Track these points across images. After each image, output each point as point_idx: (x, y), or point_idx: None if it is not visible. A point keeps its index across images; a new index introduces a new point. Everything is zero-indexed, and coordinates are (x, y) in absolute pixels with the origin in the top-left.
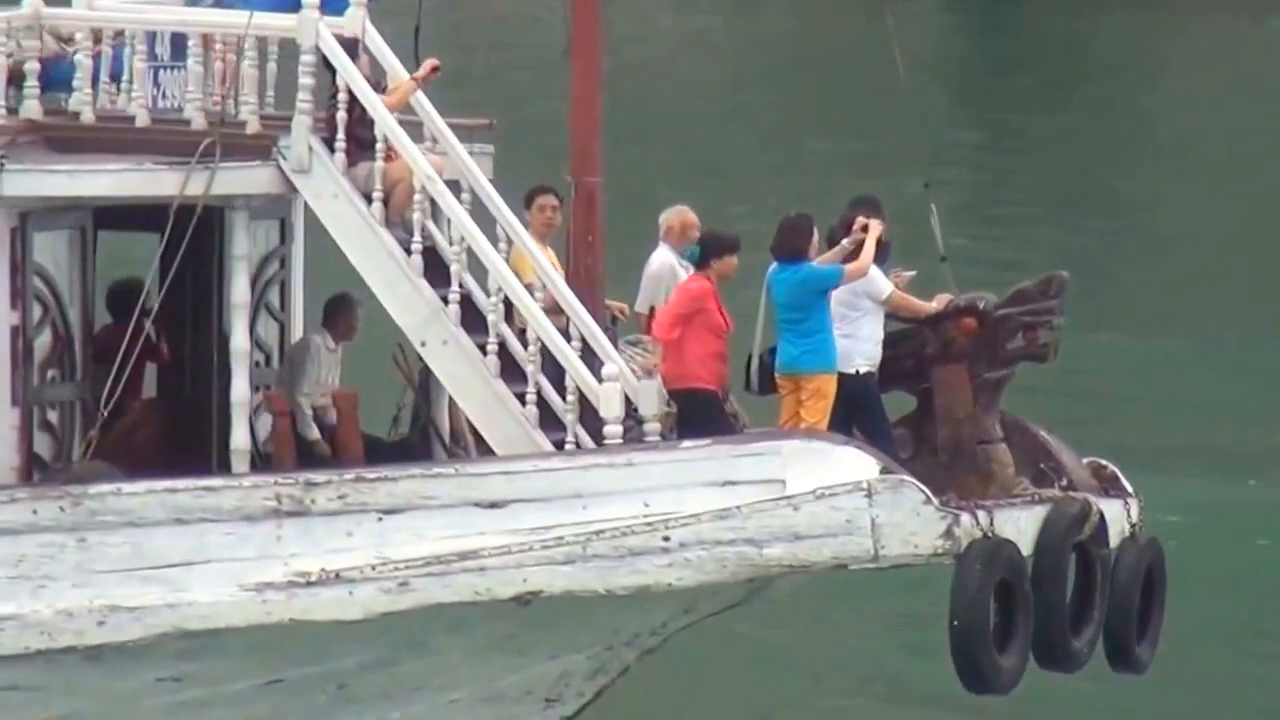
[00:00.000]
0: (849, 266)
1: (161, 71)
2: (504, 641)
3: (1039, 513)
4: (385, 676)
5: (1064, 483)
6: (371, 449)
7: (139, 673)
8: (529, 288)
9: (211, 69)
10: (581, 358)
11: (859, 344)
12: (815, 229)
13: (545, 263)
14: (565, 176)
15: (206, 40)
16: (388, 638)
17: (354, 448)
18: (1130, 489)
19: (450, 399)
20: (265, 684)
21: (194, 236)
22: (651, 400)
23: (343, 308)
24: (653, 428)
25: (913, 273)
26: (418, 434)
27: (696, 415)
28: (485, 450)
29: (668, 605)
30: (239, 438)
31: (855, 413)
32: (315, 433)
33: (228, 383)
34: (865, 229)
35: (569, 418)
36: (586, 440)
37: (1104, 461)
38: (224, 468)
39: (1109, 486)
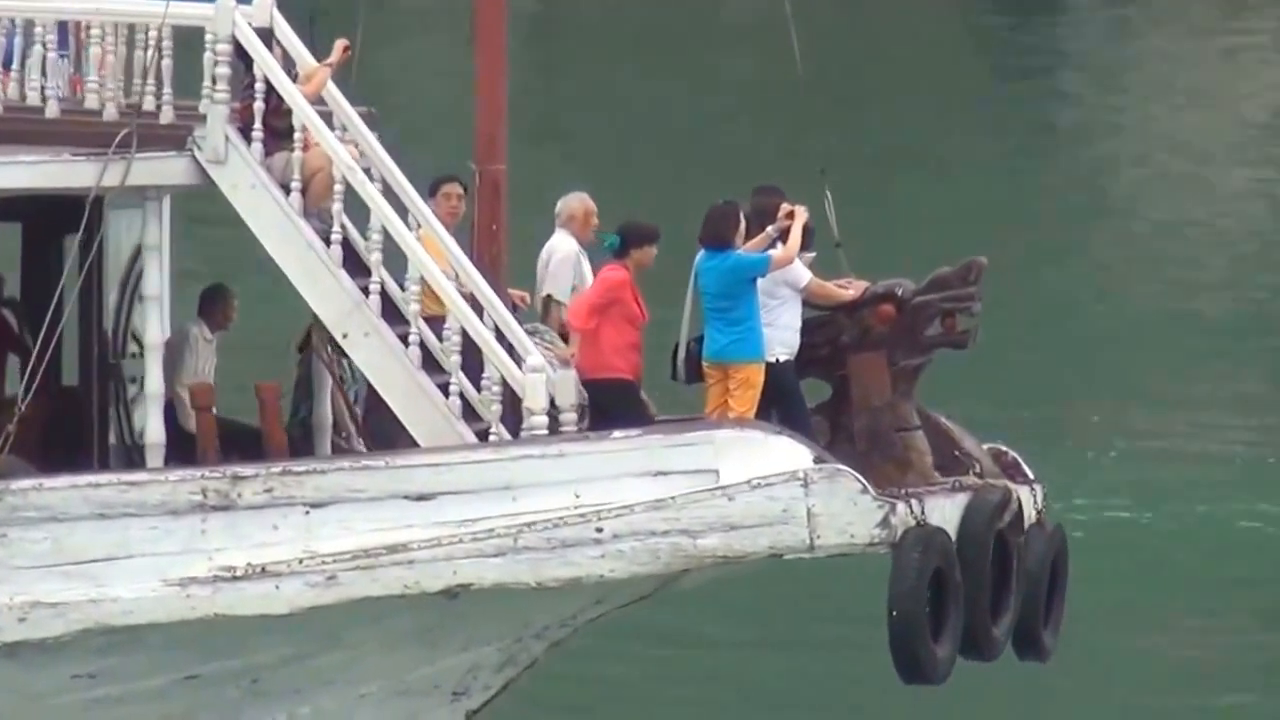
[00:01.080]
0: (776, 254)
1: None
2: (420, 634)
3: (961, 500)
4: (299, 670)
5: (977, 470)
6: (253, 440)
7: (55, 669)
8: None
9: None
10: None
11: (778, 332)
12: (743, 216)
13: (459, 252)
14: (470, 164)
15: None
16: (307, 631)
17: (277, 440)
18: (1032, 475)
19: (332, 390)
20: (181, 679)
21: (67, 227)
22: (569, 391)
23: (219, 297)
24: (570, 418)
25: (812, 254)
26: (297, 426)
27: (614, 405)
28: (374, 439)
29: (579, 597)
30: (154, 431)
31: (774, 401)
32: (194, 424)
33: (107, 375)
34: (791, 215)
35: (494, 409)
36: (504, 432)
37: (1004, 447)
38: (104, 463)
39: (1011, 472)
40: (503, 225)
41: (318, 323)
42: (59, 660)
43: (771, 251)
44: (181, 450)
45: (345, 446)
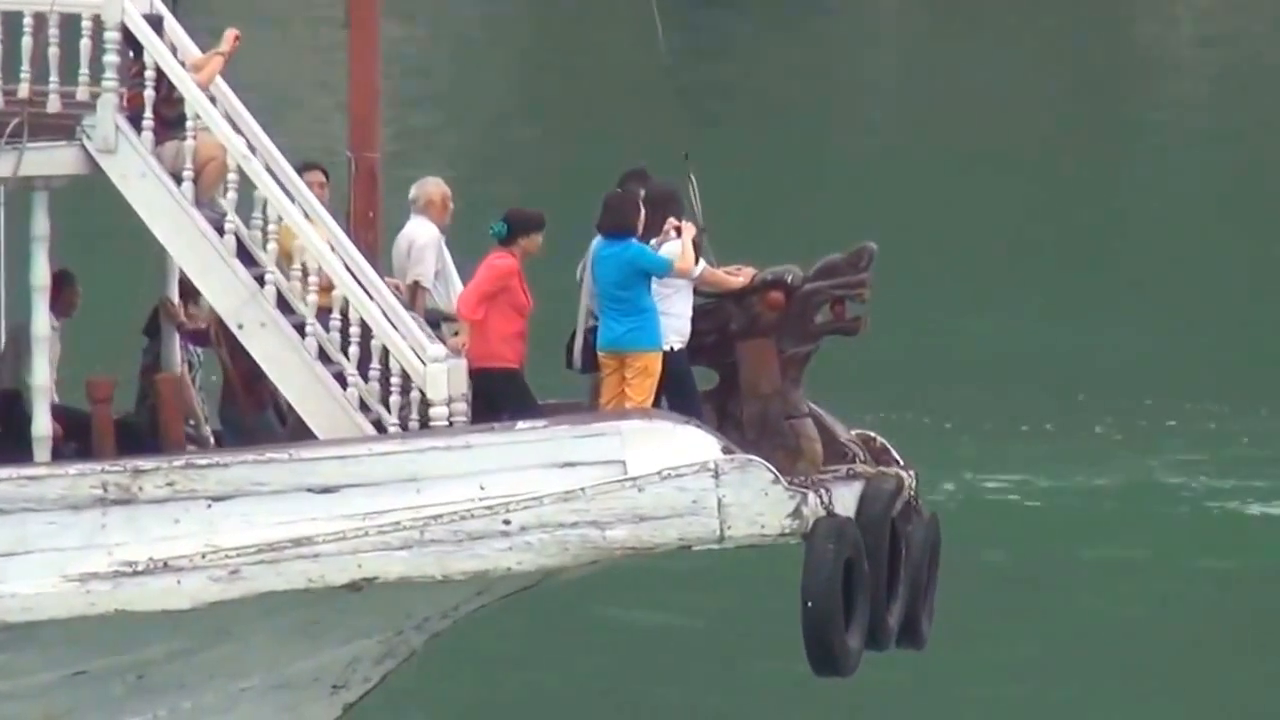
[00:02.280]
0: (676, 264)
1: None
2: (304, 627)
3: (856, 488)
4: (185, 665)
5: (861, 457)
6: (69, 418)
7: None
8: (304, 268)
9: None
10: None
11: (671, 320)
12: (665, 204)
13: (348, 243)
14: (346, 152)
15: None
16: (199, 626)
17: (175, 434)
18: (903, 461)
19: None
20: (69, 676)
21: None
22: (460, 381)
23: (64, 284)
24: (460, 409)
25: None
26: (146, 413)
27: (501, 395)
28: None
29: (462, 588)
30: (41, 425)
31: (668, 390)
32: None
33: None
34: (679, 230)
35: (393, 399)
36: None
37: (873, 433)
38: None
39: (881, 458)
40: (379, 213)
41: (164, 303)
42: None
43: (670, 251)
44: (29, 441)
45: (194, 435)
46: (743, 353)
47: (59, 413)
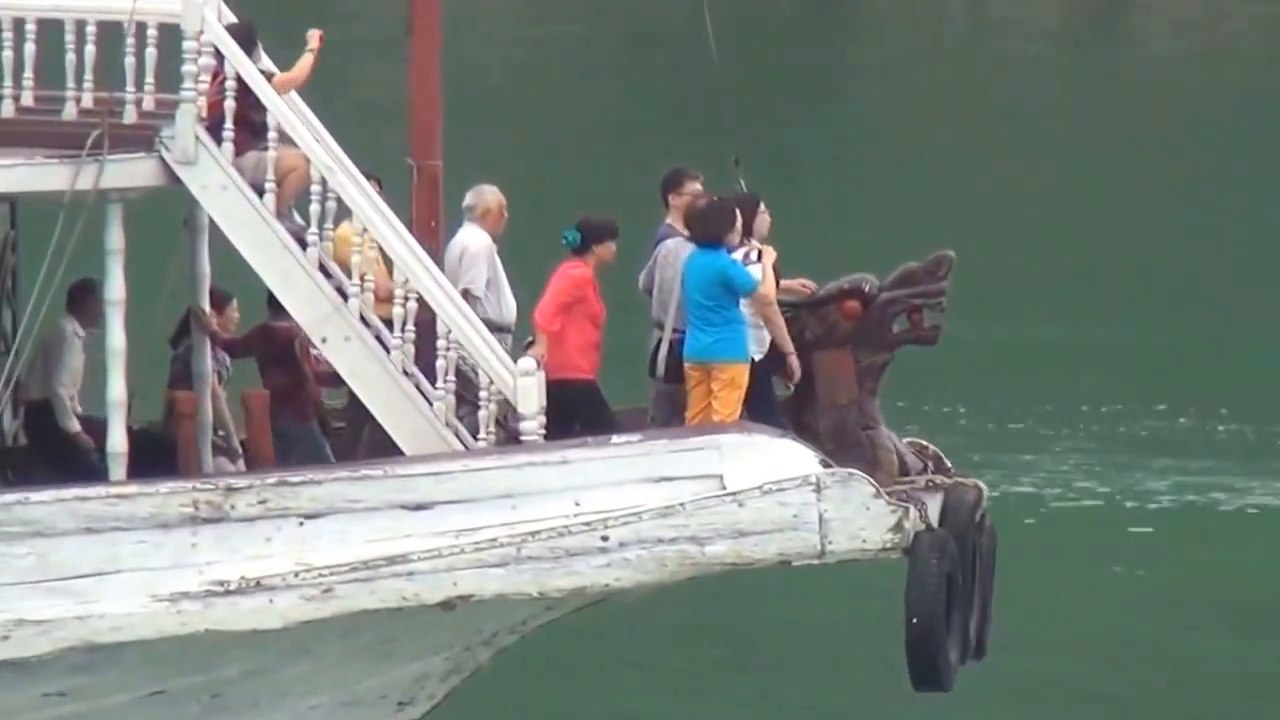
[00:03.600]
0: (759, 288)
1: None
2: (379, 644)
3: (938, 499)
4: (260, 684)
5: (931, 467)
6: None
7: (27, 687)
8: (364, 278)
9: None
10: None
11: (752, 330)
12: (739, 214)
13: (425, 258)
14: (407, 159)
15: None
16: (278, 645)
17: (265, 450)
18: (963, 472)
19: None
20: (146, 696)
21: None
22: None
23: (88, 294)
24: (533, 425)
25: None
26: (174, 424)
27: (579, 406)
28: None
29: (534, 603)
30: (116, 440)
31: (747, 400)
32: (76, 425)
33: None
34: (760, 255)
35: (483, 413)
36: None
37: (924, 441)
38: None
39: (936, 467)
40: (440, 221)
41: (194, 312)
42: (33, 678)
43: (756, 271)
44: (59, 452)
45: (222, 445)
46: (819, 363)
47: (89, 424)
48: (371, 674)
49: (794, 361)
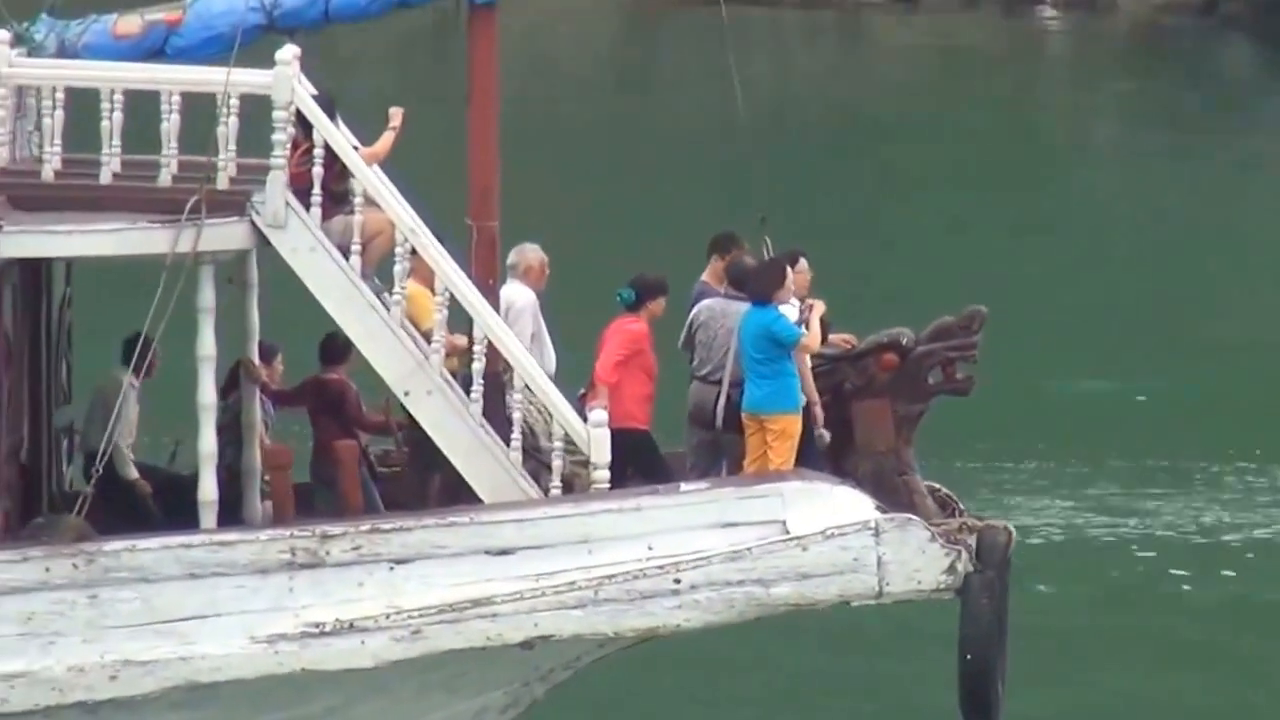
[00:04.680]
0: (804, 340)
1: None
2: (449, 680)
3: (973, 541)
4: (337, 718)
5: (960, 509)
6: (154, 477)
7: None
8: (426, 334)
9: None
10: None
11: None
12: (789, 271)
13: (489, 310)
14: (465, 220)
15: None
16: (362, 682)
17: (354, 499)
18: (964, 510)
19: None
20: None
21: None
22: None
23: (146, 347)
24: (603, 475)
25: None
26: (223, 470)
27: (634, 455)
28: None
29: (588, 641)
30: (207, 489)
31: None
32: (134, 472)
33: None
34: (811, 308)
35: (557, 463)
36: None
37: (936, 484)
38: (53, 509)
39: (948, 508)
40: (497, 280)
41: (245, 364)
42: (136, 715)
43: (802, 328)
44: (119, 500)
45: (268, 491)
46: (859, 412)
47: (146, 472)
48: (439, 709)
49: (818, 411)
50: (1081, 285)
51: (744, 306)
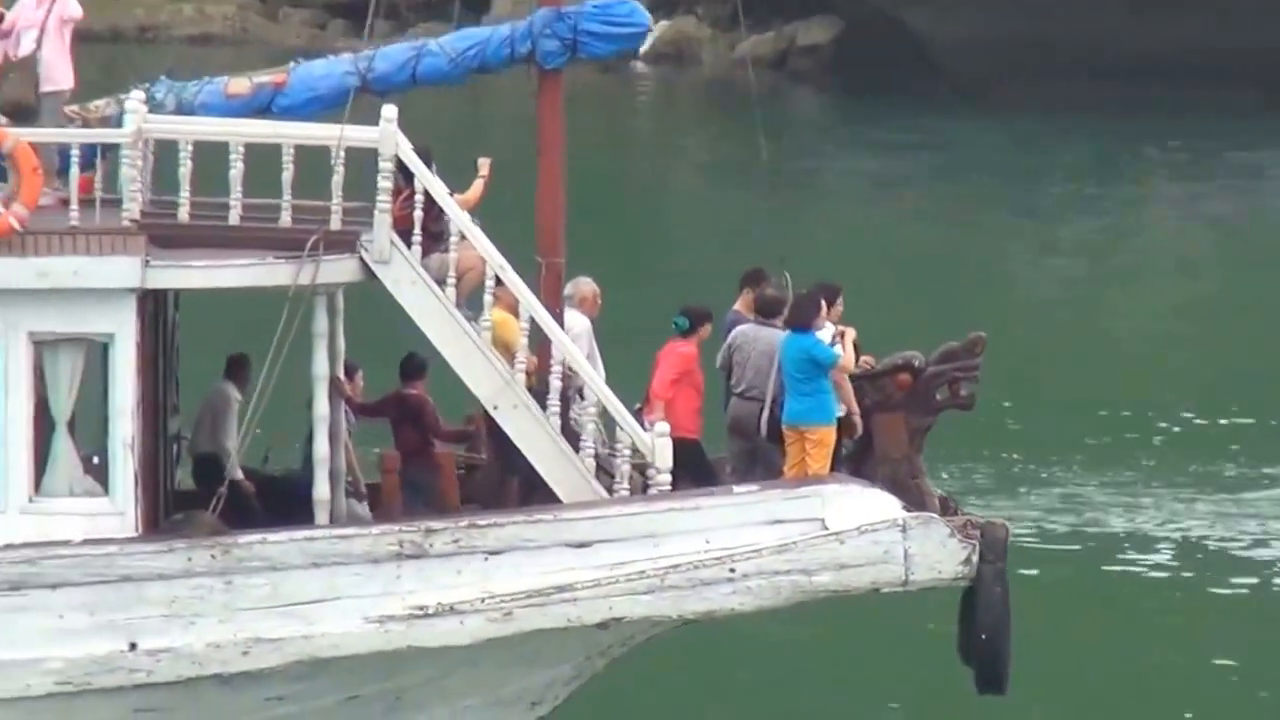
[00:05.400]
0: (840, 362)
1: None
2: (528, 656)
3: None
4: (432, 689)
5: (956, 507)
6: (259, 479)
7: (254, 692)
8: (512, 357)
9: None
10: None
11: None
12: (827, 301)
13: (564, 336)
14: (535, 257)
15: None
16: (457, 657)
17: (452, 499)
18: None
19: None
20: (344, 699)
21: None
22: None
23: (246, 364)
24: (665, 478)
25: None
26: (302, 468)
27: (687, 462)
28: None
29: (643, 623)
30: (321, 490)
31: None
32: (239, 473)
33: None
34: (843, 335)
35: (625, 467)
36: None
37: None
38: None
39: (948, 508)
40: (562, 310)
41: (337, 380)
42: (261, 685)
43: (838, 350)
44: (229, 498)
45: (351, 490)
46: (877, 424)
47: (247, 473)
48: (517, 680)
49: (857, 420)
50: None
51: (773, 332)
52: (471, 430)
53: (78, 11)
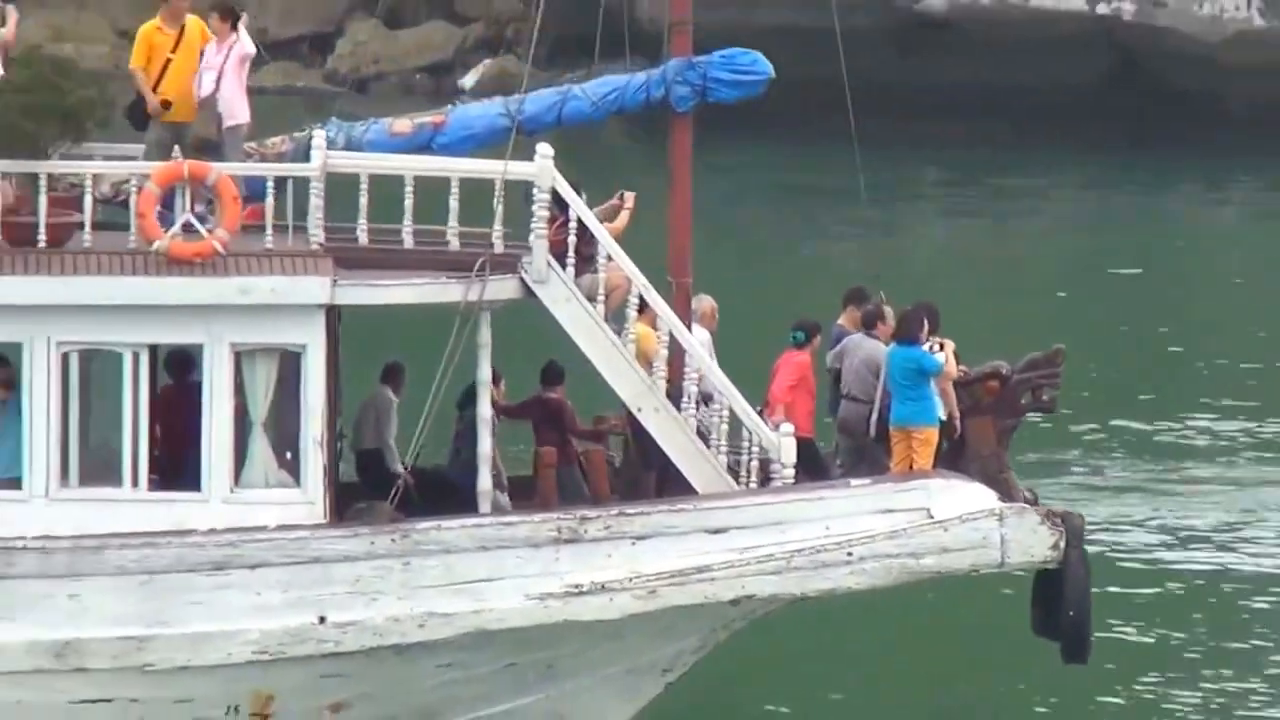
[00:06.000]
0: (944, 369)
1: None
2: (664, 629)
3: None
4: (579, 659)
5: (1032, 497)
6: (420, 474)
7: (427, 661)
8: (651, 366)
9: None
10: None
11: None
12: (929, 317)
13: (699, 349)
14: (667, 277)
15: None
16: (603, 630)
17: (604, 491)
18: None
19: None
20: (503, 667)
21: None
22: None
23: (402, 370)
24: (789, 472)
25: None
26: (460, 465)
27: (803, 457)
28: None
29: (759, 601)
30: (484, 481)
31: None
32: (400, 467)
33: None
34: (943, 345)
35: (753, 463)
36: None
37: None
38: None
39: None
40: (690, 324)
41: (479, 388)
42: (433, 655)
43: (941, 358)
44: (385, 487)
45: (495, 481)
46: (969, 425)
47: (413, 471)
48: (652, 650)
49: (957, 423)
50: None
51: (875, 343)
52: (603, 430)
53: (252, 48)
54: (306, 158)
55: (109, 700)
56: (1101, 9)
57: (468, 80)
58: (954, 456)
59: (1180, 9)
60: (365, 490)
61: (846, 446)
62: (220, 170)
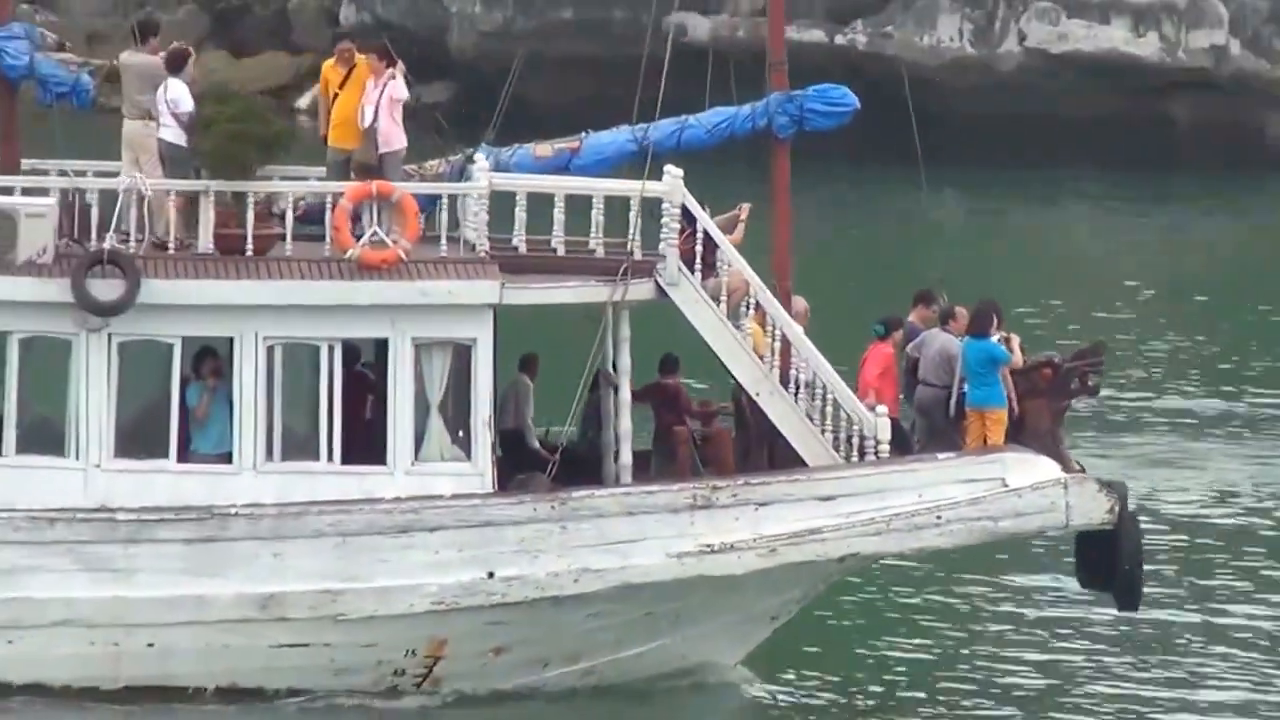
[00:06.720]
0: (1013, 360)
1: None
2: (776, 583)
3: None
4: (703, 608)
5: (1081, 468)
6: (549, 449)
7: (579, 611)
8: (762, 356)
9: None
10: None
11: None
12: (996, 314)
13: (805, 339)
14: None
15: None
16: (725, 583)
17: (729, 463)
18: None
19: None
20: (641, 615)
21: None
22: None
23: (536, 361)
24: (885, 448)
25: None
26: (586, 444)
27: (892, 436)
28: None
29: (851, 560)
30: (625, 455)
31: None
32: (537, 444)
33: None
34: (1010, 339)
35: (854, 440)
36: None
37: None
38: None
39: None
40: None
41: (605, 373)
42: (584, 606)
43: (1012, 347)
44: (525, 461)
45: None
46: (1026, 407)
47: (544, 445)
48: (764, 600)
49: (1015, 405)
50: None
51: (948, 336)
52: (712, 411)
53: (404, 94)
54: (459, 177)
55: (306, 645)
56: (839, 40)
57: (303, 101)
58: (1015, 434)
59: (904, 40)
60: (507, 464)
61: (923, 425)
62: (404, 189)
